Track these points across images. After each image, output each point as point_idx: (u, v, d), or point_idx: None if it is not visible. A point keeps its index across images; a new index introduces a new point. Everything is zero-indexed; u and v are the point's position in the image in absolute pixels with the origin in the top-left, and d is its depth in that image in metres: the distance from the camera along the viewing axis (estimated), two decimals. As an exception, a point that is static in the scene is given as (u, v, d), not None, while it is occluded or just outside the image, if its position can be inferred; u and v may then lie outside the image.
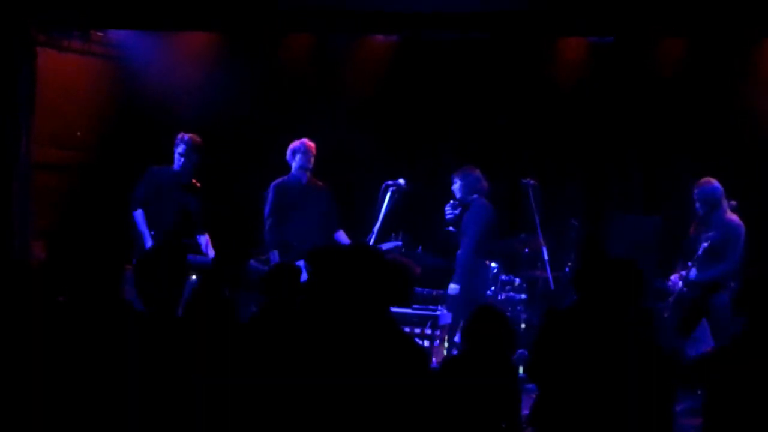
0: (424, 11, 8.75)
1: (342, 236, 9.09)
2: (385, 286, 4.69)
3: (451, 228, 9.00)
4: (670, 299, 8.55)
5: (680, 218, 9.98)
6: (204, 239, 8.92)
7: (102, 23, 9.72)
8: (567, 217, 9.86)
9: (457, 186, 9.02)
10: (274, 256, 8.80)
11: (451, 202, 9.03)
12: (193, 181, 8.89)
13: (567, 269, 9.44)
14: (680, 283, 8.46)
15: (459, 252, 8.89)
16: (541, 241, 9.09)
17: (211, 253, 8.79)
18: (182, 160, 8.80)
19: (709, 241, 8.26)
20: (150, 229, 8.66)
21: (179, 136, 8.85)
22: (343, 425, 4.29)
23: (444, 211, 9.01)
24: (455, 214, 8.98)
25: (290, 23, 9.33)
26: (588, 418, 4.16)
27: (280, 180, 9.02)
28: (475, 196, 8.98)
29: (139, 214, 8.71)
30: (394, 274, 5.29)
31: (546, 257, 9.09)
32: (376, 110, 10.69)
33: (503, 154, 10.50)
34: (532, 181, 9.16)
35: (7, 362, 4.50)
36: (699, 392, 7.73)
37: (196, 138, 8.85)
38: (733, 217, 8.35)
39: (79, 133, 10.13)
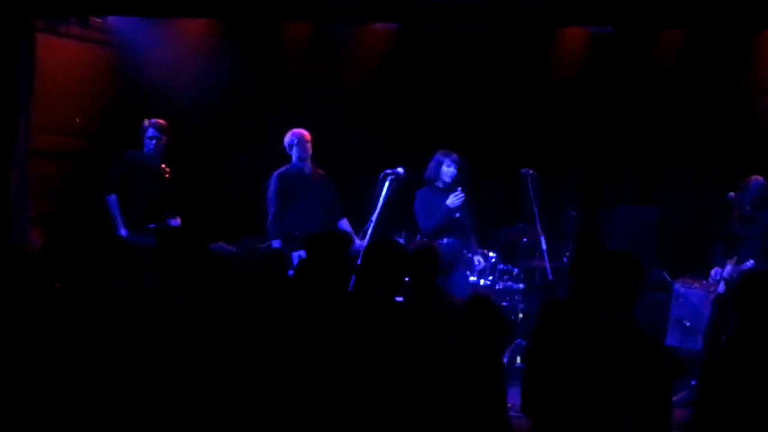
0: (423, 1, 8.74)
1: (345, 224, 9.10)
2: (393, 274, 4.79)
3: (458, 214, 8.95)
4: (710, 296, 8.49)
5: (679, 209, 10.01)
6: (175, 222, 8.97)
7: (101, 9, 9.70)
8: (565, 207, 9.85)
9: (455, 173, 9.00)
10: (277, 245, 8.80)
11: (460, 189, 8.90)
12: (163, 166, 8.98)
13: (565, 259, 9.43)
14: (721, 283, 8.35)
15: (473, 245, 8.98)
16: (540, 231, 9.08)
17: None
18: (151, 143, 8.92)
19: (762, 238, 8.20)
20: (122, 214, 8.72)
21: (144, 122, 8.96)
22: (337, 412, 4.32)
23: (457, 195, 8.86)
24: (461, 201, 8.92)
25: (288, 11, 9.32)
26: (584, 410, 4.16)
27: (283, 169, 9.02)
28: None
29: (112, 200, 8.78)
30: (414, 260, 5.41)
31: (544, 247, 9.08)
32: (374, 99, 10.67)
33: (502, 144, 10.50)
34: (530, 171, 9.15)
35: (4, 347, 4.51)
36: (693, 383, 7.81)
37: (162, 121, 8.97)
38: None
39: (77, 120, 10.10)
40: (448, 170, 9.00)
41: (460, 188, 8.88)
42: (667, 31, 9.84)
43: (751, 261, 8.21)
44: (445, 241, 8.88)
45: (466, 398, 4.69)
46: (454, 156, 9.02)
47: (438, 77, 10.48)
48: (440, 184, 9.01)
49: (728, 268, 8.31)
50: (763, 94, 9.71)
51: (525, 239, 9.42)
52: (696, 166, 10.17)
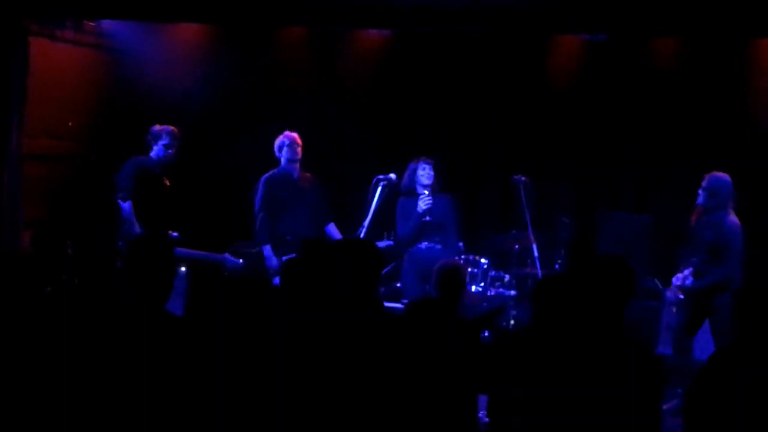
0: (418, 5, 8.75)
1: (333, 229, 9.11)
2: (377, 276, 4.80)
3: (428, 218, 8.94)
4: (670, 300, 8.52)
5: (671, 217, 10.02)
6: (173, 234, 8.98)
7: (95, 13, 9.70)
8: (557, 214, 9.88)
9: (432, 174, 9.00)
10: (267, 250, 8.81)
11: (428, 192, 8.91)
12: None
13: (557, 266, 9.45)
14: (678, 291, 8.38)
15: (454, 246, 8.95)
16: (532, 238, 9.10)
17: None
18: (166, 151, 8.84)
19: (707, 246, 8.05)
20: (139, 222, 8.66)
21: (159, 128, 8.86)
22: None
23: (423, 198, 8.89)
24: (431, 204, 8.92)
25: (283, 15, 9.33)
26: (574, 418, 4.16)
27: (270, 174, 9.02)
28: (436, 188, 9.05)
29: (128, 205, 8.67)
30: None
31: (536, 254, 9.10)
32: (368, 104, 10.69)
33: (495, 151, 10.52)
34: (523, 178, 9.17)
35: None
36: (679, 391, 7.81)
37: (175, 129, 8.91)
38: (734, 219, 8.06)
39: (70, 123, 10.09)
40: (423, 173, 8.97)
41: (427, 192, 8.87)
42: (662, 39, 9.86)
43: (689, 278, 8.22)
44: (423, 245, 8.90)
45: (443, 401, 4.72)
46: (429, 160, 9.02)
47: (432, 83, 10.49)
48: (419, 189, 8.97)
49: (686, 273, 8.31)
50: (758, 101, 9.73)
51: (517, 246, 9.44)
52: (689, 174, 10.17)
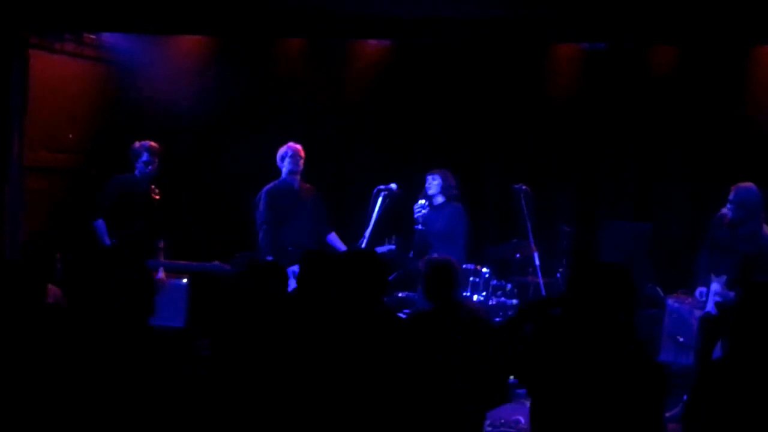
0: (417, 17, 8.76)
1: (334, 238, 9.13)
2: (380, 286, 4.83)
3: (419, 226, 9.01)
4: (695, 316, 8.36)
5: (671, 225, 10.02)
6: (160, 244, 9.02)
7: (94, 26, 9.70)
8: (558, 222, 9.87)
9: (436, 183, 9.10)
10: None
11: (423, 201, 9.08)
12: (152, 187, 8.96)
13: (558, 275, 9.44)
14: (710, 302, 8.06)
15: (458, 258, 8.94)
16: (533, 246, 9.09)
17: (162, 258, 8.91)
18: (146, 168, 8.87)
19: (744, 258, 7.75)
20: (113, 238, 8.70)
21: (138, 144, 8.89)
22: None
23: (416, 206, 9.07)
24: (425, 213, 9.03)
25: (282, 27, 9.34)
26: (577, 424, 4.16)
27: (271, 185, 9.02)
28: (446, 199, 9.10)
29: (100, 224, 8.75)
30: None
31: (537, 263, 9.09)
32: (368, 114, 10.70)
33: (495, 160, 10.53)
34: (524, 187, 9.17)
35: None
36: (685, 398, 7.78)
37: (155, 144, 8.92)
38: None
39: (71, 136, 10.11)
40: (428, 184, 9.12)
41: (422, 201, 9.04)
42: (661, 47, 9.87)
43: (725, 291, 7.96)
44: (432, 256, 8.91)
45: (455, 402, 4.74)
46: (440, 171, 9.14)
47: (432, 93, 10.50)
48: (431, 200, 9.11)
49: (715, 286, 8.08)
50: (757, 109, 9.73)
51: (518, 255, 9.43)
52: (689, 182, 10.19)
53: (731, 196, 7.92)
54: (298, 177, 9.05)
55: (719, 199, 8.38)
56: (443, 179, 9.11)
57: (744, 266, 7.79)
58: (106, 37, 10.11)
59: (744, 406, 4.09)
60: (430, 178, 9.15)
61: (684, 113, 10.07)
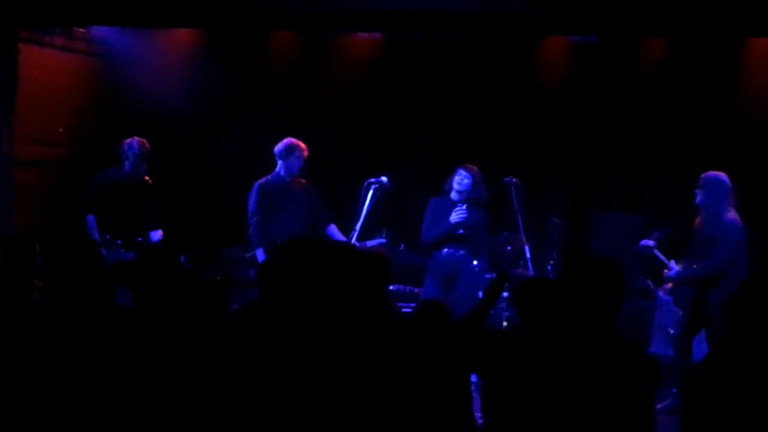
0: (407, 10, 8.75)
1: (334, 230, 9.06)
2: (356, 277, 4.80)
3: (461, 231, 8.80)
4: (663, 299, 8.50)
5: (662, 217, 10.03)
6: (157, 235, 8.99)
7: (84, 20, 9.68)
8: (549, 215, 9.89)
9: (468, 183, 8.86)
10: (260, 254, 8.81)
11: (465, 204, 8.76)
12: (146, 178, 8.98)
13: (549, 267, 9.45)
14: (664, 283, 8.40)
15: (484, 264, 8.90)
16: (524, 239, 9.09)
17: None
18: (135, 165, 8.91)
19: (703, 241, 8.00)
20: (105, 233, 8.70)
21: (127, 142, 8.92)
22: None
23: (457, 210, 8.73)
24: (470, 218, 8.76)
25: (273, 21, 9.33)
26: (567, 419, 4.16)
27: (263, 180, 9.00)
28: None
29: (90, 219, 8.77)
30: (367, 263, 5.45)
31: (528, 255, 9.09)
32: (358, 107, 10.70)
33: (486, 153, 10.52)
34: (514, 180, 9.16)
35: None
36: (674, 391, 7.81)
37: (144, 142, 8.94)
38: (733, 217, 7.97)
39: (60, 130, 10.08)
40: (460, 180, 8.83)
41: (464, 204, 8.77)
42: (651, 40, 9.88)
43: (675, 268, 8.20)
44: (444, 251, 8.87)
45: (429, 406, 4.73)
46: (473, 169, 8.88)
47: (423, 85, 10.50)
48: (454, 196, 8.86)
49: (672, 265, 8.28)
50: (748, 102, 9.75)
51: (509, 247, 9.43)
52: (680, 174, 10.20)
53: (699, 182, 8.06)
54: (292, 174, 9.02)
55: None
56: (475, 178, 8.87)
57: (700, 246, 8.00)
58: (96, 30, 10.09)
59: (739, 398, 4.09)
60: (464, 174, 8.82)
61: (675, 106, 10.09)
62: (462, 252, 8.84)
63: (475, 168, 8.91)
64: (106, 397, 4.37)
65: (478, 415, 5.17)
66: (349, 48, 10.50)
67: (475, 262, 8.92)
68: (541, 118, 10.41)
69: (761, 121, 9.69)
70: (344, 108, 10.66)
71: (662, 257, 8.32)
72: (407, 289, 9.16)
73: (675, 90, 10.04)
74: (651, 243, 8.42)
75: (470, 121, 10.56)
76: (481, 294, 8.73)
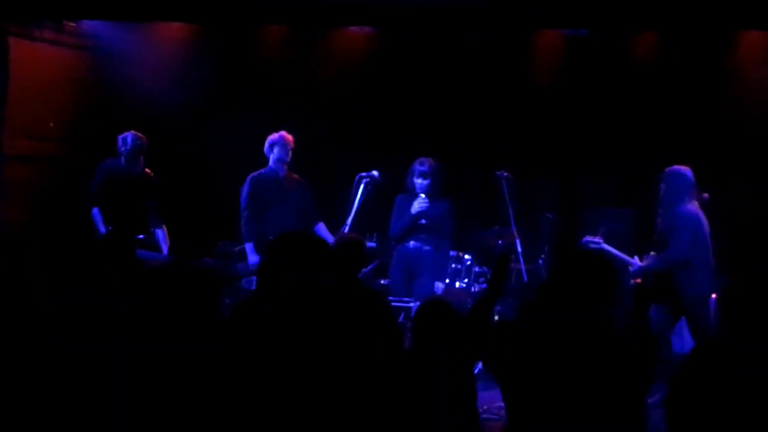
0: (399, 4, 8.75)
1: (322, 229, 9.08)
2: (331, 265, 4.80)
3: (423, 221, 8.90)
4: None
5: (653, 212, 10.04)
6: (161, 233, 8.97)
7: (75, 13, 9.67)
8: (541, 209, 9.89)
9: (430, 175, 8.92)
10: (249, 247, 8.81)
11: (424, 195, 8.83)
12: (147, 171, 9.00)
13: (540, 261, 9.46)
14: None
15: (446, 252, 8.95)
16: (515, 233, 9.09)
17: (166, 247, 8.86)
18: (129, 159, 8.97)
19: (661, 234, 8.07)
20: (107, 225, 8.71)
21: (121, 137, 8.97)
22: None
23: (418, 200, 8.81)
24: (432, 208, 8.86)
25: (264, 14, 9.32)
26: (559, 411, 4.17)
27: (256, 173, 9.01)
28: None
29: (95, 212, 8.76)
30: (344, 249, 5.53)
31: (519, 249, 9.10)
32: (350, 102, 10.68)
33: (477, 147, 10.53)
34: (506, 174, 9.16)
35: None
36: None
37: (142, 136, 8.99)
38: (689, 208, 8.01)
39: (51, 124, 10.06)
40: (418, 174, 8.87)
41: (423, 195, 8.81)
42: (644, 33, 9.88)
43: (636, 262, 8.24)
44: (411, 244, 8.90)
45: (435, 400, 4.72)
46: (427, 162, 8.91)
47: (414, 79, 10.49)
48: (418, 189, 8.90)
49: (637, 263, 8.30)
50: (741, 96, 9.75)
51: (500, 241, 9.43)
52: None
53: (661, 177, 8.14)
54: (285, 166, 9.02)
55: (703, 185, 8.42)
56: (433, 169, 8.91)
57: (660, 239, 8.09)
58: (87, 24, 10.07)
59: (726, 390, 4.09)
60: (421, 168, 8.88)
61: (668, 99, 10.09)
62: (428, 248, 8.91)
63: (428, 159, 8.92)
64: (105, 397, 4.36)
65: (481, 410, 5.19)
66: (342, 42, 10.49)
67: (467, 256, 8.97)
68: (532, 111, 10.41)
69: (753, 114, 9.70)
70: (336, 102, 10.65)
71: (618, 253, 8.31)
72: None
73: (667, 84, 10.04)
74: (597, 239, 8.43)
75: (462, 115, 10.55)
76: (442, 281, 8.91)
